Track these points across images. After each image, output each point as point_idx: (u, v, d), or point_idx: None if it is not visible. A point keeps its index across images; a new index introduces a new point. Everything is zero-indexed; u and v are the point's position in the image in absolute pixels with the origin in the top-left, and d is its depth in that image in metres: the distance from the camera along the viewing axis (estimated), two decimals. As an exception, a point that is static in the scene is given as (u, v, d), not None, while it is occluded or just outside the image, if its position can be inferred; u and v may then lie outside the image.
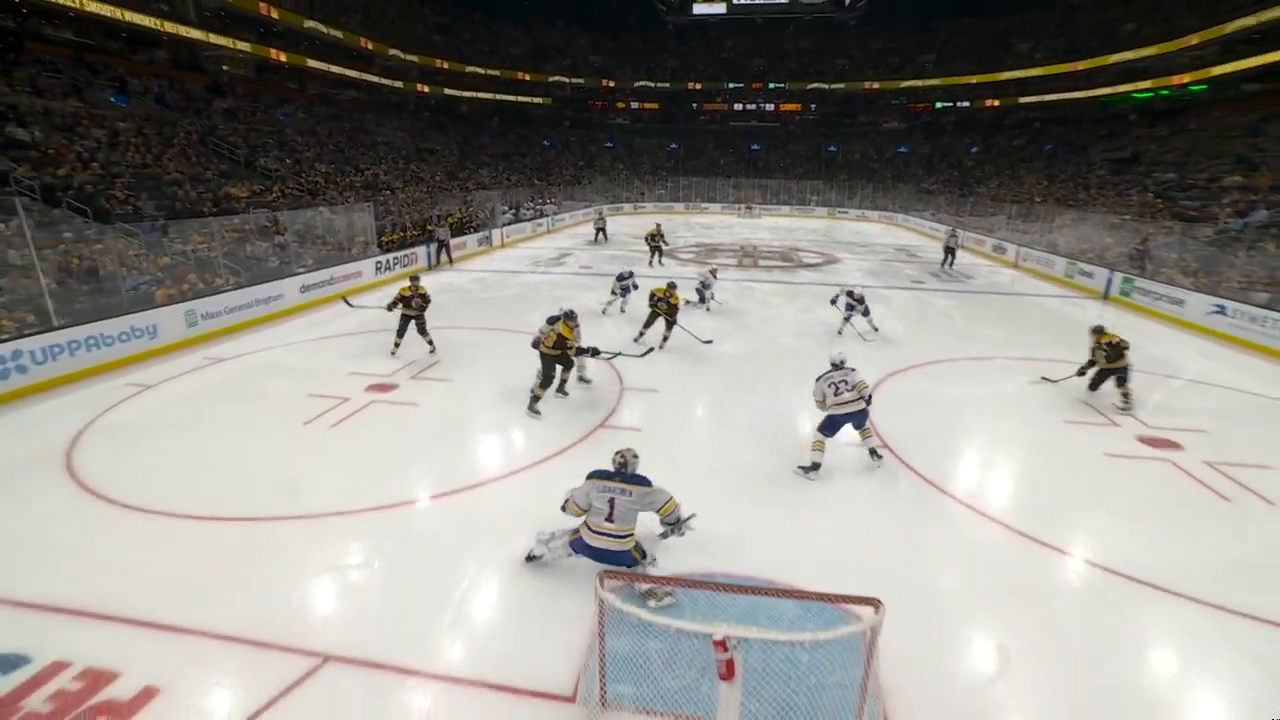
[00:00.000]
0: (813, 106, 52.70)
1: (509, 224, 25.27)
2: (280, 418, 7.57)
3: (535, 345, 7.68)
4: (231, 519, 5.42)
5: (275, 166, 22.43)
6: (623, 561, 4.38)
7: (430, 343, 10.04)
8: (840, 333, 11.53)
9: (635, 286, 12.99)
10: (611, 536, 4.35)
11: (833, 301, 11.93)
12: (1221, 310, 12.32)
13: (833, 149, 49.46)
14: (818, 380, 6.52)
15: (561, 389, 8.21)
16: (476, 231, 22.25)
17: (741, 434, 7.44)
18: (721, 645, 2.49)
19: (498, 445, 7.05)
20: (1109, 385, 8.41)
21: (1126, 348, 8.29)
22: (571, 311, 7.94)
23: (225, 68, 29.82)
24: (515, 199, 29.69)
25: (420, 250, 18.13)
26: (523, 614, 4.39)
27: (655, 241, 19.76)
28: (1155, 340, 12.18)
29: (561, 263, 20.20)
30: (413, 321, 9.79)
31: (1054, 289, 17.39)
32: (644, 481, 4.50)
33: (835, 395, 6.32)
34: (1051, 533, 5.41)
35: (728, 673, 2.52)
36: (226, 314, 11.34)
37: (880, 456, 6.52)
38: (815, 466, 6.30)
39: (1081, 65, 38.75)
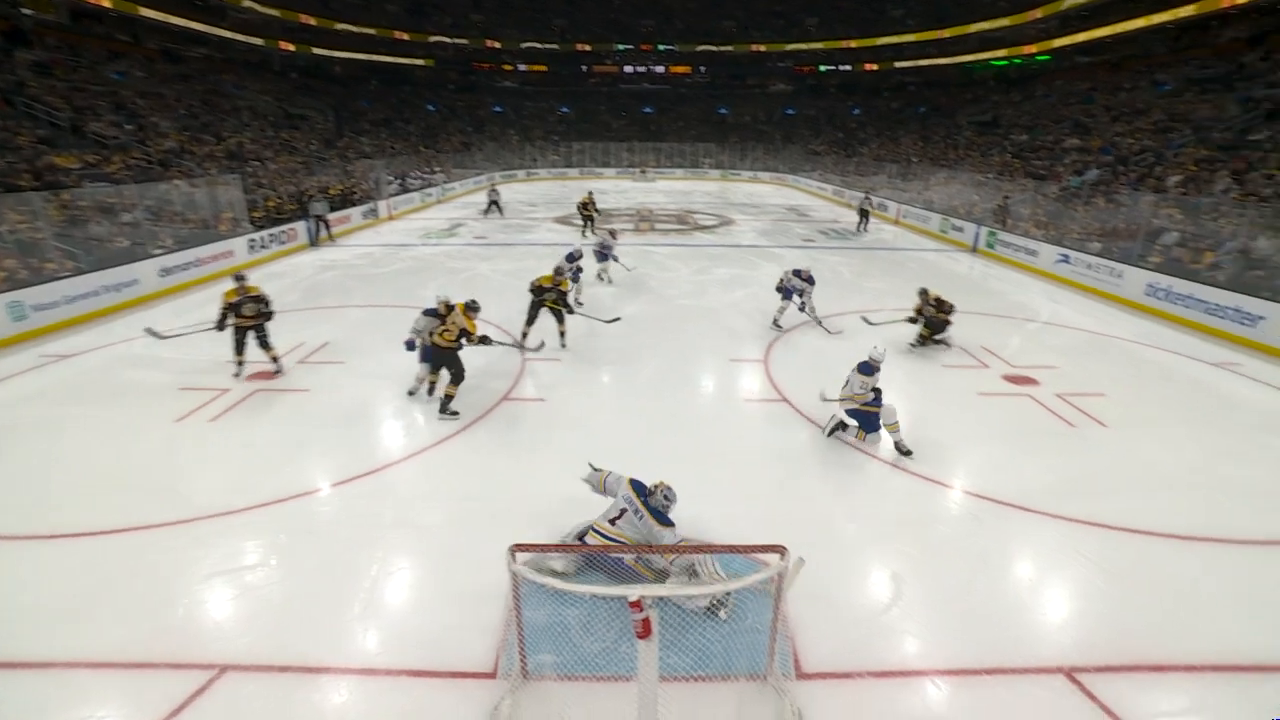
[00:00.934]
0: (702, 69, 52.97)
1: (395, 195, 23.82)
2: (147, 416, 6.84)
3: (412, 346, 7.05)
4: (100, 533, 4.87)
5: (112, 133, 19.63)
6: (623, 568, 4.20)
7: (275, 359, 7.94)
8: (778, 324, 10.06)
9: (581, 270, 11.34)
10: (607, 539, 4.21)
11: (780, 288, 9.94)
12: (1066, 259, 13.80)
13: (724, 111, 50.16)
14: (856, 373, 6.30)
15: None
16: (360, 204, 20.82)
17: (645, 396, 7.54)
18: (637, 605, 2.55)
19: (399, 427, 6.74)
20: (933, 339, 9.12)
21: (951, 309, 8.98)
22: (474, 301, 7.03)
23: (26, 11, 25.21)
24: (401, 168, 27.96)
25: (300, 226, 16.73)
26: (436, 596, 4.29)
27: (588, 210, 18.63)
28: (1016, 288, 13.51)
29: (454, 234, 19.36)
30: (250, 333, 7.76)
31: (931, 243, 18.75)
32: (664, 520, 4.18)
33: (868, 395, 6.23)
34: (932, 467, 5.94)
35: (645, 631, 2.59)
36: (67, 304, 9.97)
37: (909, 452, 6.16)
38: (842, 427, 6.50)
39: (947, 33, 41.38)
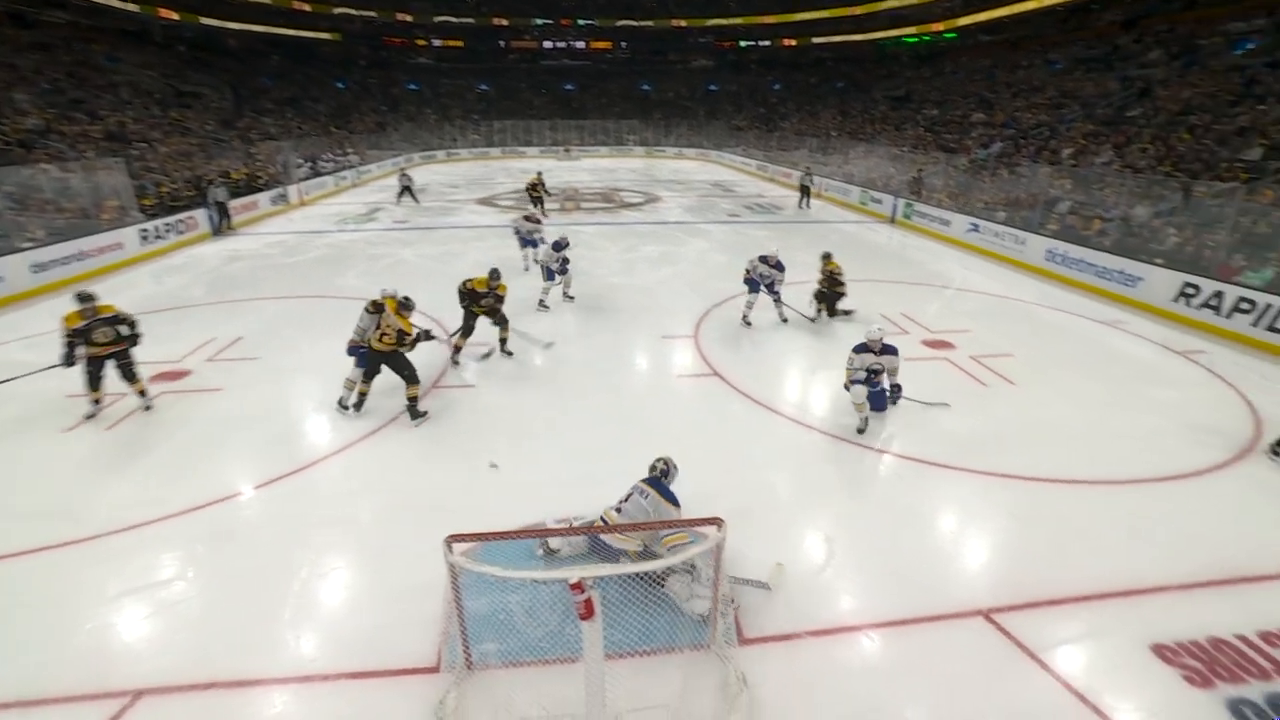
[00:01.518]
0: (624, 45, 52.34)
1: (307, 179, 22.45)
2: (30, 428, 6.23)
3: (357, 350, 6.41)
4: (-20, 559, 4.41)
5: (-50, 109, 17.41)
6: (613, 557, 4.07)
7: (142, 393, 6.51)
8: (747, 320, 9.13)
9: (569, 261, 10.15)
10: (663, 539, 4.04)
11: (747, 279, 9.04)
12: (976, 228, 14.60)
13: (646, 88, 49.84)
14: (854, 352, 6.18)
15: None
16: (268, 189, 19.50)
17: (578, 376, 7.49)
18: (578, 587, 2.54)
19: (324, 422, 6.42)
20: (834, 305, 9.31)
21: (841, 281, 9.26)
22: (407, 299, 6.45)
23: None
24: (311, 150, 26.34)
25: (200, 214, 15.50)
26: (371, 595, 4.14)
27: (538, 192, 17.42)
28: (932, 256, 14.20)
29: (373, 218, 18.48)
30: (110, 361, 6.27)
31: (852, 215, 19.40)
32: (670, 498, 4.13)
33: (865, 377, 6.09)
34: (856, 431, 6.20)
35: (587, 612, 2.59)
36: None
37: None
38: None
39: (859, 10, 42.52)
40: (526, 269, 11.94)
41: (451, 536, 3.03)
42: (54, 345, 8.49)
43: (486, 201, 21.78)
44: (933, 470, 5.57)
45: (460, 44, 50.36)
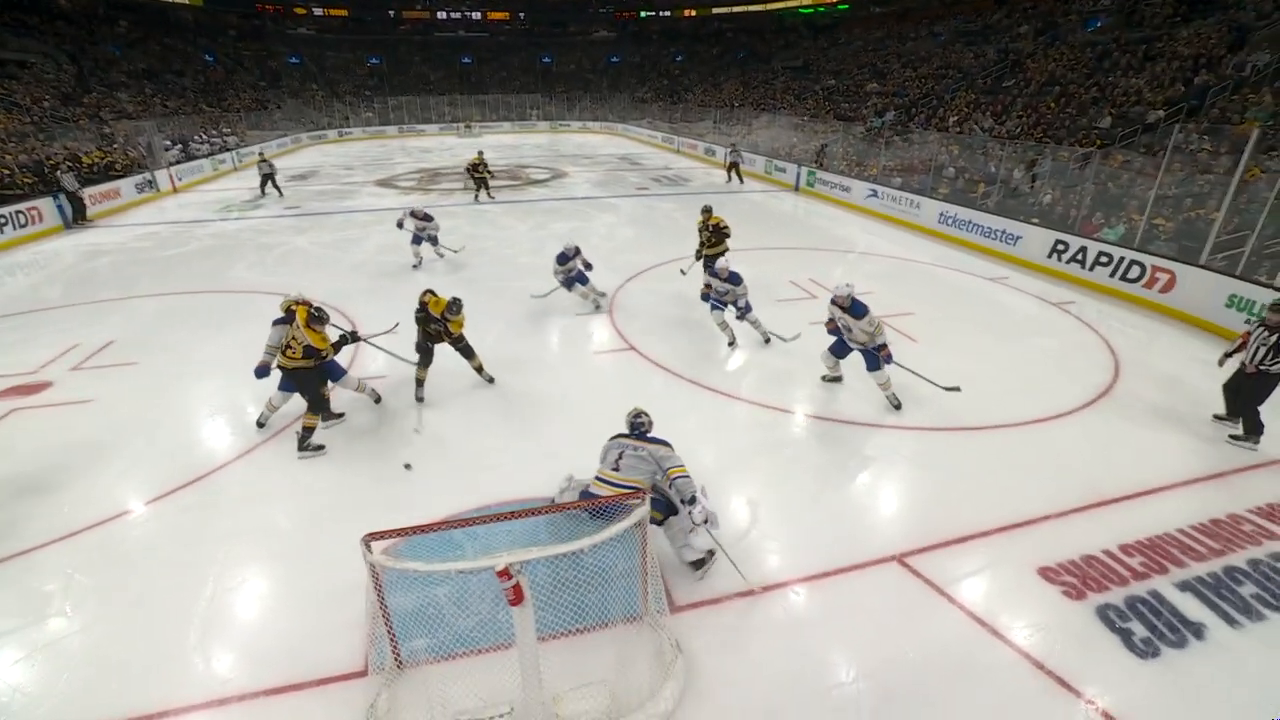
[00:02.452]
0: (522, 15, 50.63)
1: (178, 163, 20.40)
2: None
3: (266, 371, 5.46)
4: None
5: None
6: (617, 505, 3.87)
7: None
8: (733, 344, 7.67)
9: (588, 266, 8.80)
10: (616, 486, 3.96)
11: (705, 296, 7.77)
12: (875, 194, 15.31)
13: (547, 60, 48.57)
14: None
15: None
16: (131, 175, 17.57)
17: (489, 356, 7.27)
18: (505, 574, 2.49)
19: (221, 426, 5.94)
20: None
21: (727, 234, 9.09)
22: (319, 310, 5.46)
23: None
24: (179, 130, 23.92)
25: (46, 205, 13.75)
26: (287, 604, 3.92)
27: (480, 173, 16.52)
28: (835, 223, 14.78)
29: (260, 205, 17.09)
30: None
31: (758, 185, 19.84)
32: (660, 441, 4.18)
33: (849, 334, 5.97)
34: (776, 397, 6.42)
35: (517, 598, 2.55)
36: None
37: (899, 406, 6.10)
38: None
39: (757, -20, 43.14)
40: (417, 266, 10.87)
41: (369, 535, 2.89)
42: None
43: (385, 183, 20.64)
44: (845, 429, 5.86)
45: (345, 13, 47.01)
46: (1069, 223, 11.19)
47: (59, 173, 14.43)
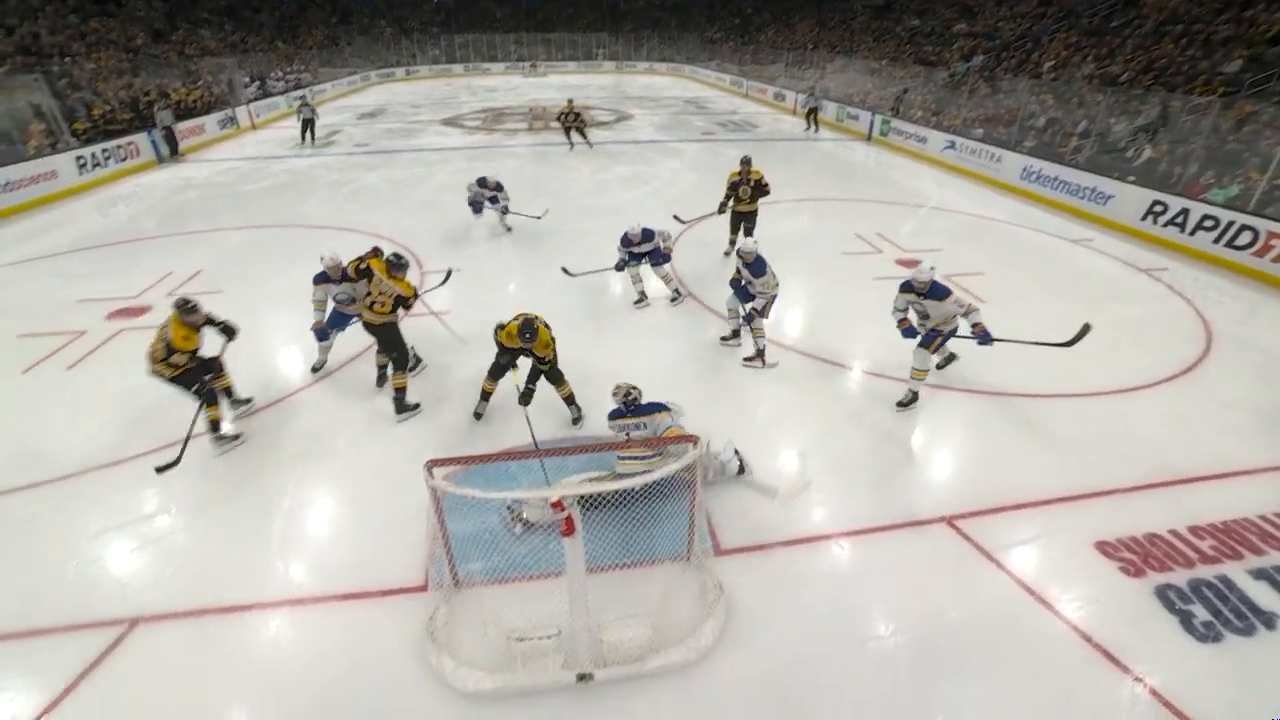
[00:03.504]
0: (592, -52, 48.68)
1: (256, 100, 21.04)
2: (-13, 369, 6.02)
3: (326, 334, 5.57)
4: (-54, 502, 4.36)
5: None
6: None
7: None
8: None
9: (667, 249, 7.32)
10: (638, 459, 4.09)
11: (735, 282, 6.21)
12: (952, 145, 14.41)
13: (617, -2, 46.92)
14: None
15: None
16: (215, 111, 18.27)
17: (550, 299, 7.39)
18: (559, 505, 2.62)
19: (295, 354, 6.31)
20: (741, 233, 8.15)
21: (767, 192, 8.20)
22: (397, 256, 5.21)
23: None
24: (257, 68, 24.54)
25: (142, 140, 14.51)
26: (355, 522, 4.22)
27: (572, 122, 15.48)
28: (908, 175, 14.05)
29: (331, 142, 17.53)
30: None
31: (828, 133, 18.94)
32: (656, 407, 4.24)
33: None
34: (835, 351, 6.31)
35: (568, 529, 2.68)
36: None
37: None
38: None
39: (841, -94, 39.79)
40: (509, 229, 9.91)
41: (431, 461, 3.08)
42: (9, 279, 8.18)
43: (451, 122, 20.76)
44: (902, 387, 5.72)
45: (413, -54, 46.31)
46: (1171, 181, 10.25)
47: (156, 109, 15.12)
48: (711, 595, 3.50)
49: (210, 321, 4.88)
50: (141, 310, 7.21)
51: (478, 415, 5.24)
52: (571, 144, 15.96)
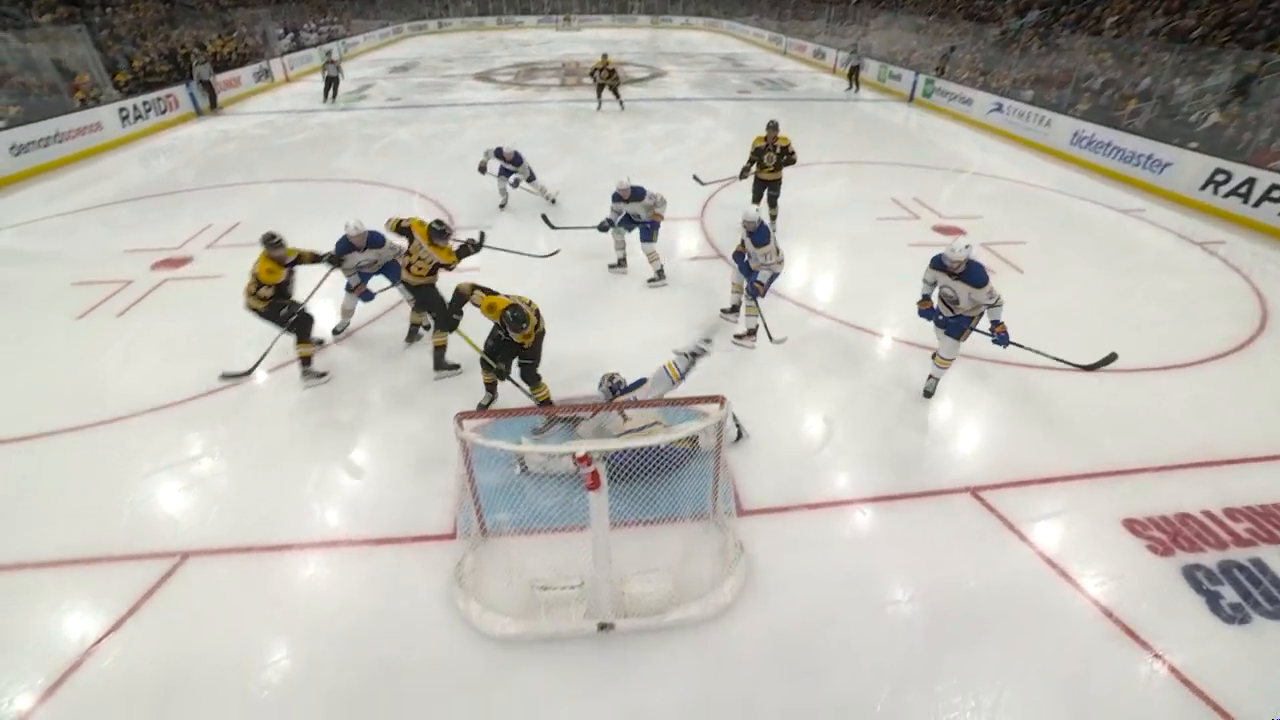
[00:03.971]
0: (629, -108, 46.79)
1: (290, 52, 21.01)
2: (39, 317, 6.30)
3: (371, 295, 5.66)
4: (18, 440, 4.63)
5: None
6: (668, 457, 4.01)
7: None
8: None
9: (657, 216, 6.67)
10: (635, 432, 4.05)
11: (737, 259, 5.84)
12: (999, 108, 13.77)
13: (654, -54, 45.18)
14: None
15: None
16: (250, 64, 18.31)
17: (580, 258, 7.38)
18: (585, 460, 2.67)
19: (329, 307, 6.42)
20: (764, 202, 7.75)
21: (794, 160, 7.58)
22: (439, 224, 5.05)
23: None
24: (291, 19, 24.42)
25: (180, 92, 14.66)
26: (388, 470, 4.37)
27: (606, 79, 14.64)
28: (950, 138, 13.52)
29: (364, 96, 17.49)
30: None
31: (868, 93, 18.25)
32: (641, 381, 4.18)
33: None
34: (866, 317, 6.22)
35: (594, 484, 2.74)
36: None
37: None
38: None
39: None
40: (503, 205, 9.14)
41: (461, 414, 3.16)
42: (60, 229, 8.46)
43: (483, 77, 20.51)
44: (927, 354, 5.63)
45: (446, -109, 45.04)
46: (1239, 149, 9.67)
47: (194, 63, 15.21)
48: (732, 554, 3.57)
49: (300, 259, 5.14)
50: (183, 261, 7.42)
51: (482, 406, 4.92)
52: (600, 103, 15.44)
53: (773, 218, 7.93)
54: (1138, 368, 5.50)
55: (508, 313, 4.24)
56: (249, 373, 5.18)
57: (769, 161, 7.62)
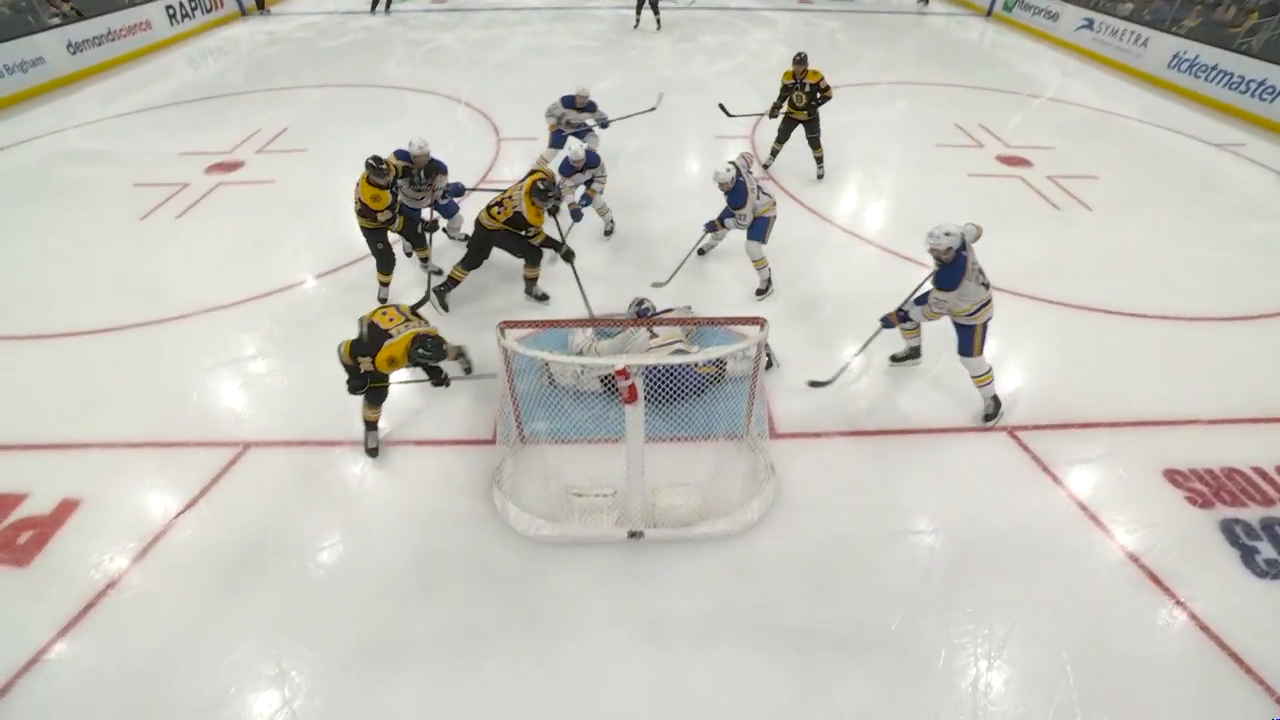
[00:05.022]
0: None
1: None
2: (107, 215, 6.55)
3: (455, 208, 5.60)
4: (94, 331, 4.94)
5: None
6: (694, 381, 3.94)
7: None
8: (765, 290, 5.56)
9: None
10: (664, 347, 4.06)
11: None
12: (1089, 25, 12.51)
13: None
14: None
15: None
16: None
17: (625, 176, 7.20)
18: (623, 373, 2.73)
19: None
20: (799, 137, 6.98)
21: (826, 98, 6.66)
22: (544, 183, 4.68)
23: None
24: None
25: (226, -12, 14.39)
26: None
27: None
28: (1028, 59, 12.43)
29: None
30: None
31: (940, 6, 16.75)
32: (665, 311, 4.25)
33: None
34: (916, 249, 5.94)
35: (630, 397, 2.81)
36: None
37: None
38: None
39: None
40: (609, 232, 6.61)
41: (504, 322, 3.24)
42: (118, 130, 8.64)
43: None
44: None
45: None
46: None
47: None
48: (762, 474, 3.66)
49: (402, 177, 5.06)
50: (235, 165, 7.54)
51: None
52: (638, 20, 13.93)
53: (818, 160, 7.11)
54: (1199, 315, 5.23)
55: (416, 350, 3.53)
56: (424, 302, 5.04)
57: (799, 100, 6.71)
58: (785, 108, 6.85)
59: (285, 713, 2.72)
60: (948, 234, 3.69)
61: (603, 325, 4.30)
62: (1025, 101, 9.99)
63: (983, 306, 3.89)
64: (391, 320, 3.58)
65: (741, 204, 4.89)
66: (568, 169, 5.52)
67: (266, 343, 4.85)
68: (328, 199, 6.75)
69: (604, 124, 6.73)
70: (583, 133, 6.68)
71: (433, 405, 4.28)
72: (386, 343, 3.45)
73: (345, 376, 3.63)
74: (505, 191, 4.87)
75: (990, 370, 4.08)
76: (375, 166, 4.55)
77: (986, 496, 3.72)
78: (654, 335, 4.15)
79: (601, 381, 3.92)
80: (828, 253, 6.04)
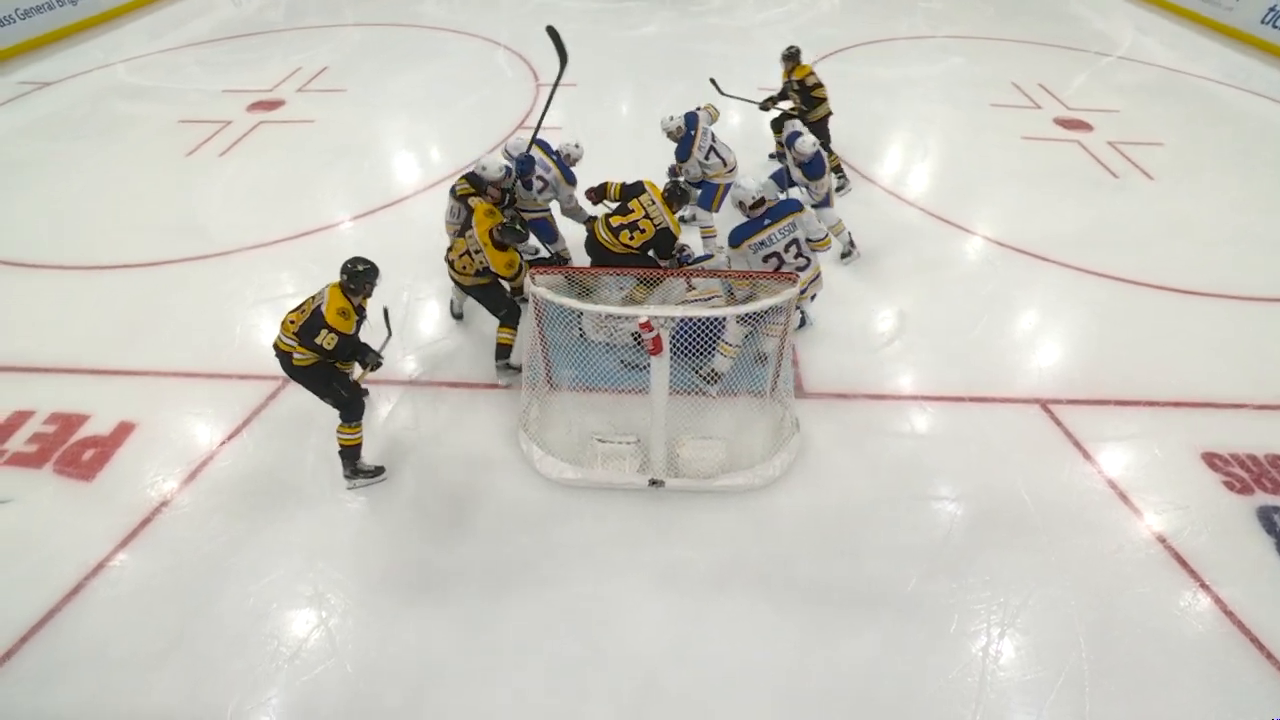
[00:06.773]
0: None
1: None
2: (154, 150, 6.72)
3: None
4: (139, 265, 5.12)
5: None
6: (711, 330, 3.75)
7: None
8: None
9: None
10: (701, 302, 3.97)
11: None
12: (1174, -27, 11.55)
13: None
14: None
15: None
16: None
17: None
18: (647, 326, 2.74)
19: (412, 157, 6.56)
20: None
21: (822, 98, 5.72)
22: (680, 189, 4.02)
23: None
24: None
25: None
26: (465, 319, 4.61)
27: None
28: (1101, 13, 11.59)
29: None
30: None
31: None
32: (704, 258, 4.24)
33: None
34: (959, 212, 5.80)
35: (656, 348, 2.83)
36: (22, 21, 8.93)
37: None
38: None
39: None
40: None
41: (535, 270, 3.26)
42: (164, 66, 8.70)
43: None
44: (1027, 260, 5.27)
45: None
46: None
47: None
48: (787, 431, 3.66)
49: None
50: (276, 104, 7.58)
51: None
52: None
53: (836, 170, 5.82)
54: (1257, 295, 4.97)
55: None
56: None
57: (793, 99, 5.86)
58: (783, 105, 5.92)
59: (321, 630, 2.89)
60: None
61: (636, 274, 4.27)
62: (1092, 60, 9.37)
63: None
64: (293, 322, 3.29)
65: (684, 158, 4.72)
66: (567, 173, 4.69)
67: (304, 281, 4.94)
68: (366, 141, 6.78)
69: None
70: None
71: (465, 348, 4.37)
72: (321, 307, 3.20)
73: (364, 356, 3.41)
74: (630, 212, 3.89)
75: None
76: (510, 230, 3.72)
77: (1013, 468, 3.67)
78: (692, 288, 4.13)
79: (634, 336, 3.93)
80: (869, 209, 5.84)
